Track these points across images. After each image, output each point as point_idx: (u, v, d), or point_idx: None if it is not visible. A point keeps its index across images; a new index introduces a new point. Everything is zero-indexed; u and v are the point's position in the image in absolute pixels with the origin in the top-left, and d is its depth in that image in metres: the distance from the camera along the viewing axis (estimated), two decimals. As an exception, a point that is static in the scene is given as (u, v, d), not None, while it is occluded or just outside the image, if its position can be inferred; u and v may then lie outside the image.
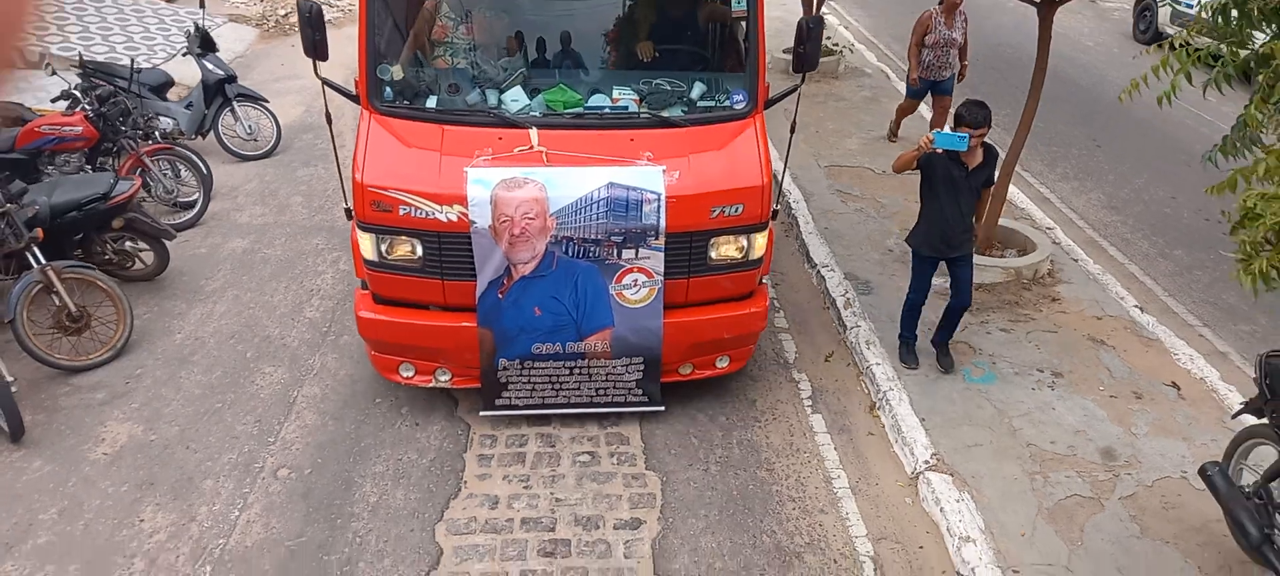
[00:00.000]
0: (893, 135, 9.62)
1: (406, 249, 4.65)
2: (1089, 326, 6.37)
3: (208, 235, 7.56)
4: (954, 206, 5.32)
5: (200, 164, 7.76)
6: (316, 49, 4.65)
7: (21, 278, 5.60)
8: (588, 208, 4.51)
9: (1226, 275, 6.90)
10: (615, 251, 4.63)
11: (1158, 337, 6.30)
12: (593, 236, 4.57)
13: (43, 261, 5.63)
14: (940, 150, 5.13)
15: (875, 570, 4.48)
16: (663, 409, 5.18)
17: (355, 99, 4.91)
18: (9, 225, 5.59)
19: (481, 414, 5.05)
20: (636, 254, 4.65)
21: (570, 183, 4.51)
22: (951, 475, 4.92)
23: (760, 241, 4.93)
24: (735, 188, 4.71)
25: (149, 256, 6.73)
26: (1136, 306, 6.69)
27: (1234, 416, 4.71)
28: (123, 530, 4.57)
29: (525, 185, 4.47)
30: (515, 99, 4.94)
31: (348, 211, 4.80)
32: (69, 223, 6.10)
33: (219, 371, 5.82)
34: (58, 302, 5.71)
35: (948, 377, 5.76)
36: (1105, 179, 9.23)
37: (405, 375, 5.08)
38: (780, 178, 5.14)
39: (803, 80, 5.19)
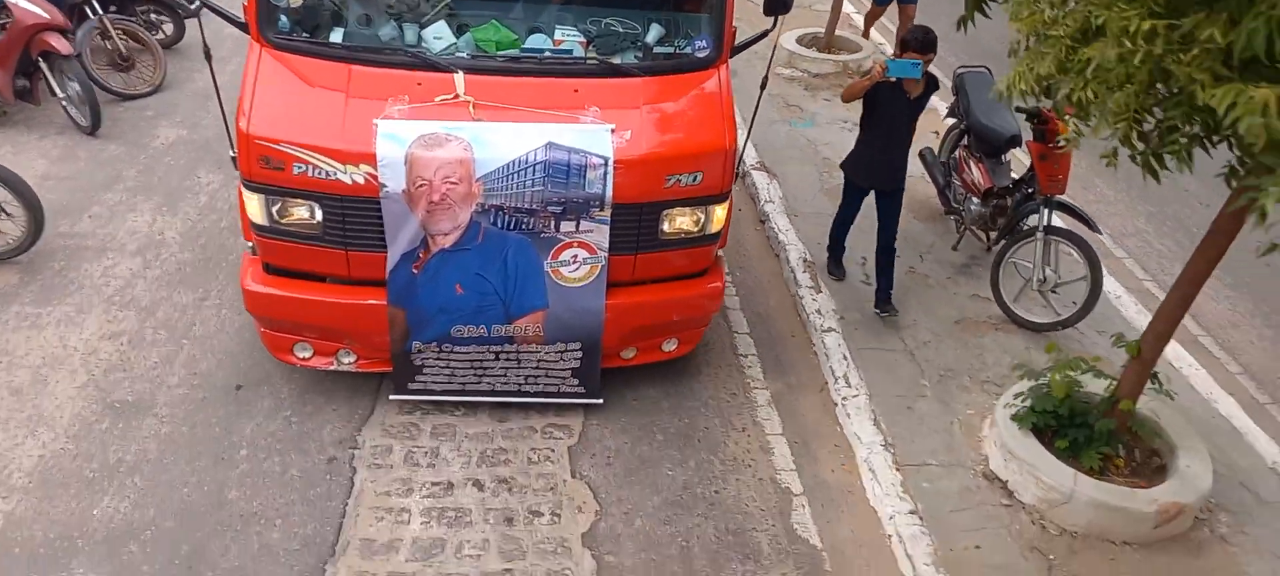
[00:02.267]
0: (866, 34, 9.99)
1: (303, 213, 3.95)
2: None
3: (208, 23, 9.27)
4: (896, 136, 5.25)
5: (199, -35, 9.43)
6: None
7: (84, 23, 7.36)
8: (521, 172, 3.85)
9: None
10: (552, 223, 3.98)
11: (935, 107, 8.59)
12: (526, 205, 3.92)
13: (100, 12, 7.39)
14: (893, 79, 4.92)
15: (706, 219, 6.71)
16: (601, 402, 4.60)
17: (243, 27, 4.13)
18: (72, -19, 7.33)
19: (392, 397, 4.50)
20: (577, 227, 4.00)
21: (501, 141, 3.83)
22: (767, 172, 7.16)
23: (719, 213, 4.32)
24: (695, 152, 4.08)
25: (169, 27, 8.48)
26: (930, 92, 8.98)
27: (944, 118, 7.00)
28: (186, 181, 6.55)
29: (447, 143, 3.78)
30: (438, 36, 4.23)
31: (234, 160, 4.01)
32: (110, -10, 7.82)
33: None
34: (110, 46, 7.50)
35: (781, 124, 7.96)
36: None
37: (301, 356, 4.42)
38: (744, 140, 4.60)
39: (775, 24, 4.46)
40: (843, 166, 5.62)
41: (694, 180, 4.11)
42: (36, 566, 3.66)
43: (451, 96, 3.93)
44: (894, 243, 5.48)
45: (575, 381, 4.51)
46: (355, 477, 4.20)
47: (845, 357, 5.21)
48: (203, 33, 4.14)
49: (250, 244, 4.27)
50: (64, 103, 6.95)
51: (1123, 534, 4.10)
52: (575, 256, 4.11)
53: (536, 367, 4.45)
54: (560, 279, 4.16)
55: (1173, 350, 5.50)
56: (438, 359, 4.35)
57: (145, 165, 6.71)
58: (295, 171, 3.81)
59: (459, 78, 3.97)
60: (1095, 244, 5.44)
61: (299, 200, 3.92)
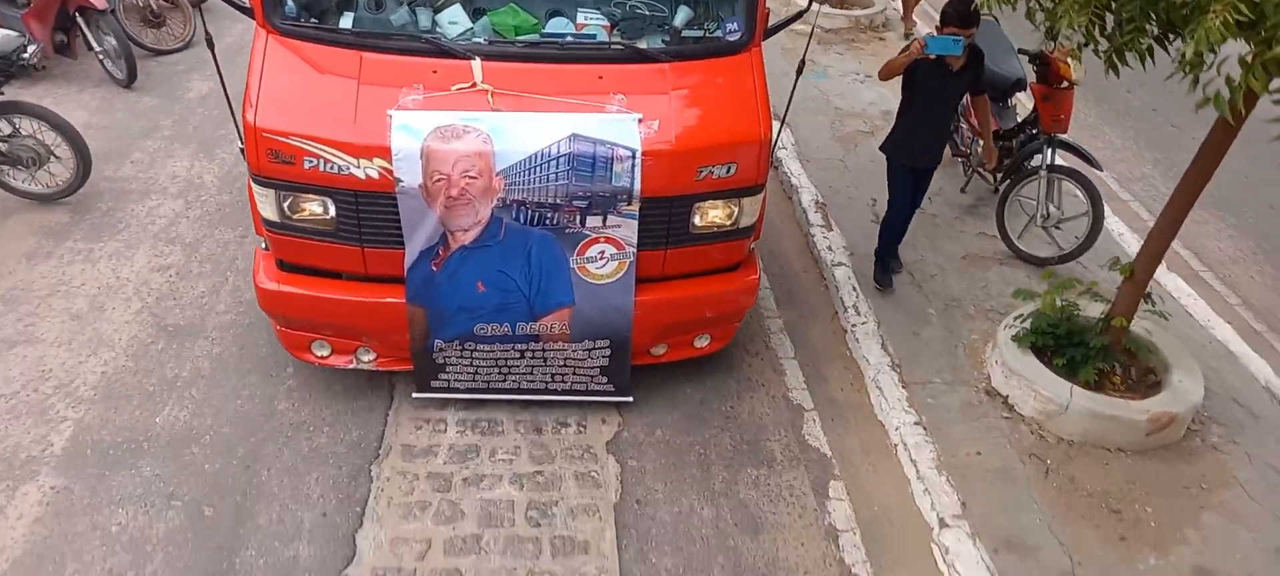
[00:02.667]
0: (906, 25, 9.64)
1: (316, 208, 3.78)
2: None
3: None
4: (937, 113, 5.04)
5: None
6: None
7: (117, -20, 7.63)
8: (545, 165, 3.68)
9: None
10: (578, 218, 3.81)
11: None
12: (550, 200, 3.75)
13: (132, -32, 7.66)
14: (933, 56, 4.71)
15: (721, 164, 6.95)
16: (631, 400, 4.44)
17: (249, 12, 3.96)
18: (107, -60, 7.59)
19: (414, 396, 4.33)
20: (604, 222, 3.82)
21: (523, 133, 3.66)
22: (783, 121, 7.35)
23: (753, 205, 4.11)
24: (728, 142, 3.86)
25: (196, -14, 8.73)
26: (940, 46, 9.15)
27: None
28: (220, 130, 6.83)
29: (465, 135, 3.60)
30: (454, 20, 4.11)
31: (242, 151, 3.94)
32: (140, -50, 8.08)
33: (265, 59, 7.97)
34: (141, 3, 7.78)
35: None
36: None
37: (319, 354, 4.24)
38: (779, 128, 4.19)
39: (809, 4, 4.33)
40: (883, 148, 5.27)
41: (727, 172, 3.89)
42: (108, 464, 3.98)
43: (469, 85, 3.73)
44: (917, 208, 5.44)
45: (604, 379, 4.34)
46: (394, 392, 4.49)
47: (854, 289, 5.45)
48: (205, 23, 3.95)
49: (263, 240, 4.07)
50: (101, 57, 7.24)
51: (1117, 441, 4.35)
52: (602, 252, 3.93)
53: (563, 366, 4.28)
54: (587, 275, 3.98)
55: (1174, 283, 5.74)
56: (460, 358, 4.18)
57: (180, 116, 7.00)
58: (306, 166, 3.62)
59: (476, 64, 3.76)
60: (1096, 180, 5.65)
61: (311, 195, 3.74)
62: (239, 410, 4.31)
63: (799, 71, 4.22)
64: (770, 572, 3.79)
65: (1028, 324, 4.67)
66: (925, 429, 4.45)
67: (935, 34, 4.73)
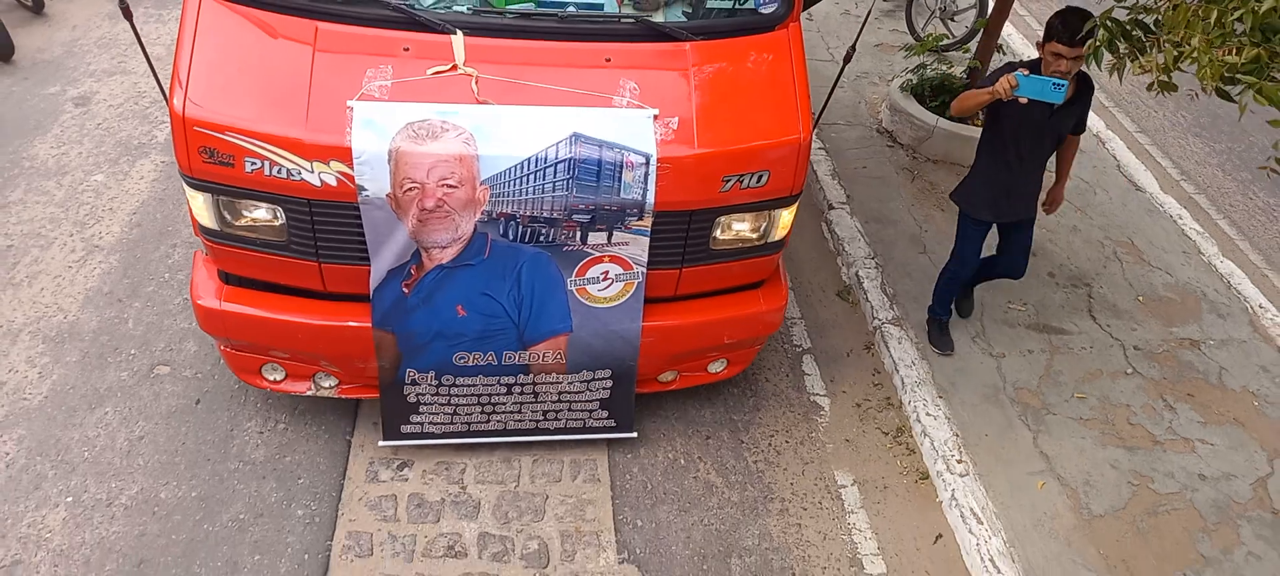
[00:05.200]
0: None
1: (262, 215, 3.15)
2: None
3: None
4: (1028, 158, 3.95)
5: None
6: None
7: None
8: (540, 172, 3.06)
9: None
10: (578, 234, 3.20)
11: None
12: (545, 214, 3.13)
13: None
14: (1025, 101, 3.59)
15: None
16: (634, 436, 3.89)
17: None
18: None
19: (382, 444, 3.73)
20: (609, 238, 3.22)
21: (513, 132, 3.03)
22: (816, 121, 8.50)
23: (786, 218, 3.48)
24: (760, 147, 3.22)
25: None
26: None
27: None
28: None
29: (443, 134, 2.98)
30: None
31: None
32: None
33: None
34: None
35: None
36: None
37: (272, 378, 3.66)
38: (815, 122, 3.50)
39: None
40: (954, 197, 4.27)
41: (758, 181, 3.25)
42: (203, 147, 5.26)
43: (448, 67, 3.06)
44: (1020, 277, 4.37)
45: (604, 413, 3.78)
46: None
47: (785, 63, 6.73)
48: None
49: (201, 243, 3.33)
50: None
51: (969, 159, 5.66)
52: (605, 273, 3.31)
53: (558, 401, 3.70)
54: (587, 298, 3.38)
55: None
56: (436, 394, 3.59)
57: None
58: (248, 168, 2.95)
59: (458, 41, 3.09)
60: (985, -22, 6.89)
61: (256, 202, 3.08)
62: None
63: (846, 59, 3.47)
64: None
65: (914, 77, 5.98)
66: (828, 152, 5.80)
67: (1029, 72, 3.53)
